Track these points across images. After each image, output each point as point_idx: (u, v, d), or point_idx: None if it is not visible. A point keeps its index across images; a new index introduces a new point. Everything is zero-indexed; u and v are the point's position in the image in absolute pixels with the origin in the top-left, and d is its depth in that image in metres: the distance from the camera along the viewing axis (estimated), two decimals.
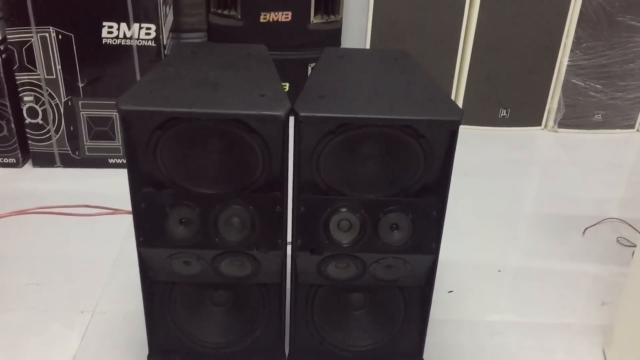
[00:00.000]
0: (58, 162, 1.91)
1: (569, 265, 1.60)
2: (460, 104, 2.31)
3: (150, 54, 1.75)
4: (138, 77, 1.78)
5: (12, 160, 1.88)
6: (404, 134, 1.00)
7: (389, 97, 1.02)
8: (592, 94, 2.29)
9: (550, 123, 2.37)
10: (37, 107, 1.80)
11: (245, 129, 0.98)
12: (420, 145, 1.02)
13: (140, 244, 1.08)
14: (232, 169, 1.07)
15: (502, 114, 2.34)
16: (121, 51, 1.74)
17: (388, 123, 0.96)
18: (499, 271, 1.57)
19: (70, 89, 1.79)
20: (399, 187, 1.08)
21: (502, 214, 1.84)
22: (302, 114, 0.95)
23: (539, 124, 2.39)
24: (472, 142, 2.26)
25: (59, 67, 1.75)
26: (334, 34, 2.30)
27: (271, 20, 2.18)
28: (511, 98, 2.33)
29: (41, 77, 1.76)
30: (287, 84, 2.30)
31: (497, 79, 2.29)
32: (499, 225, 1.77)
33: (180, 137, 1.01)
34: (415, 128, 0.99)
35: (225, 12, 2.21)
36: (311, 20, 2.21)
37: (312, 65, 2.30)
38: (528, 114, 2.36)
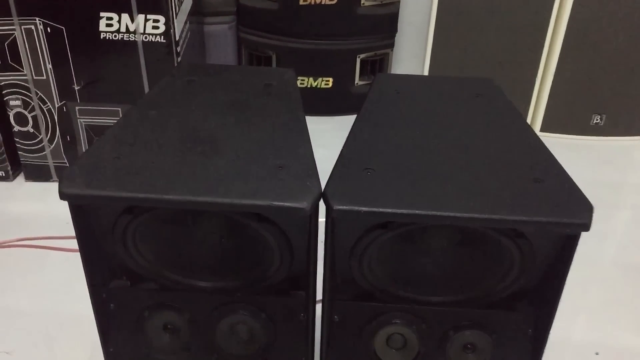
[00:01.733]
0: (54, 176, 1.65)
1: None
2: (543, 107, 1.94)
3: (159, 52, 1.45)
4: (145, 80, 1.49)
5: (1, 173, 1.64)
6: (495, 231, 0.67)
7: (472, 173, 0.69)
8: None
9: None
10: (26, 112, 1.54)
11: (254, 217, 0.68)
12: (517, 246, 0.69)
13: (109, 356, 0.80)
14: (236, 260, 0.78)
15: (595, 121, 1.96)
16: (123, 48, 1.45)
17: (475, 224, 0.64)
18: (597, 354, 1.23)
19: (65, 92, 1.51)
20: (478, 291, 0.77)
21: (596, 265, 1.48)
22: (337, 207, 0.63)
23: None
24: (556, 156, 1.89)
25: (49, 66, 1.47)
26: (389, 21, 1.94)
27: (313, 3, 1.84)
28: (607, 102, 1.93)
29: (29, 77, 1.49)
30: (331, 80, 1.98)
31: (592, 77, 1.89)
32: (593, 283, 1.43)
33: (160, 221, 0.72)
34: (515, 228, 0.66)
35: None
36: (362, 2, 1.86)
37: (361, 56, 1.96)
38: (627, 121, 1.97)
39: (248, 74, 0.88)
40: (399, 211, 0.63)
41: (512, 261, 0.72)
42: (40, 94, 1.51)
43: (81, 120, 1.56)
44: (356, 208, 0.63)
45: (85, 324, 1.24)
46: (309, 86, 1.97)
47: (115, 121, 0.77)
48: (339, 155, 0.72)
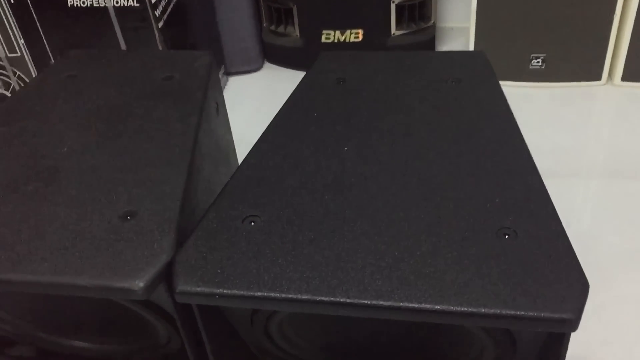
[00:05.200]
0: None
1: None
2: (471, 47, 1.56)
3: (135, 19, 1.26)
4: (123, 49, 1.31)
5: None
6: None
7: (412, 224, 0.46)
8: None
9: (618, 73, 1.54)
10: (7, 93, 1.42)
11: None
12: (491, 337, 0.46)
13: None
14: (119, 321, 0.60)
15: (535, 64, 1.56)
16: (95, 16, 1.27)
17: (398, 317, 0.42)
18: None
19: (42, 68, 1.37)
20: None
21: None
22: (180, 288, 0.43)
23: (599, 78, 1.57)
24: None
25: (21, 41, 1.33)
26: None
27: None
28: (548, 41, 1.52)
29: (2, 55, 1.35)
30: (360, 32, 1.71)
31: (531, 14, 1.49)
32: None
33: None
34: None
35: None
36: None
37: (397, 0, 1.67)
38: (573, 63, 1.55)
39: (149, 62, 0.67)
40: (269, 295, 0.42)
41: (481, 353, 0.49)
42: (17, 72, 1.38)
43: None
44: (204, 290, 0.42)
45: None
46: (335, 41, 1.71)
47: None
48: (220, 192, 0.50)
